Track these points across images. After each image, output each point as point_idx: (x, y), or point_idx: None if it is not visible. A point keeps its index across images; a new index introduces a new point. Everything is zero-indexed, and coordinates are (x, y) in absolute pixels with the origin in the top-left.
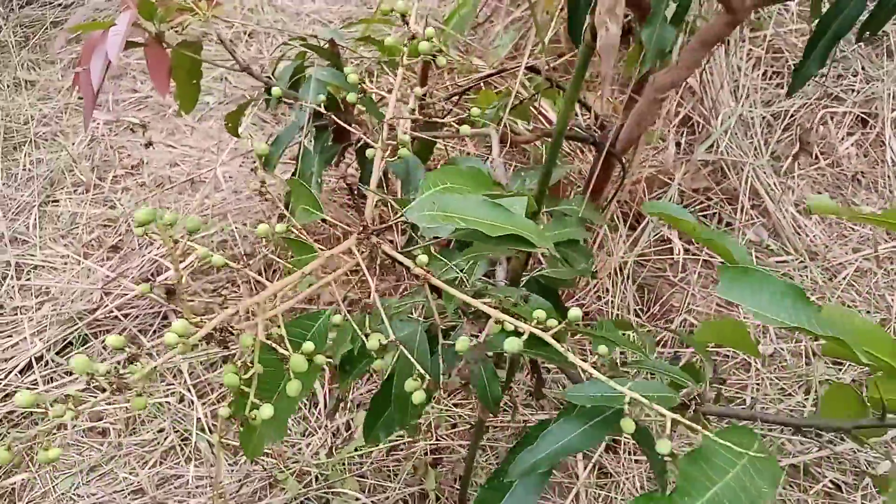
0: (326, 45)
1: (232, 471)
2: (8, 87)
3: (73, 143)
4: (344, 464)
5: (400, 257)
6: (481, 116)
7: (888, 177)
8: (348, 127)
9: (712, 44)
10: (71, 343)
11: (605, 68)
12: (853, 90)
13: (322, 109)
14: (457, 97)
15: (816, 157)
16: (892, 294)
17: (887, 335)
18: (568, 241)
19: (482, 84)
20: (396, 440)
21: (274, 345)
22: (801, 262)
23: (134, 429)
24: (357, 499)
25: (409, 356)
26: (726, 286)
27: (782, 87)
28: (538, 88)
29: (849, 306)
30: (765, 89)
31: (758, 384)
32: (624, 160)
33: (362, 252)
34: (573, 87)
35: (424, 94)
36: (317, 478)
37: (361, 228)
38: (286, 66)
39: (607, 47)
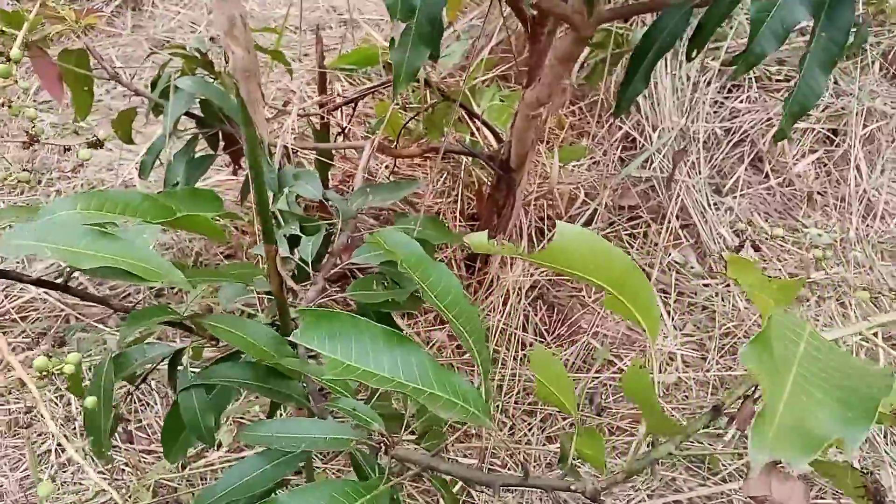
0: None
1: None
2: None
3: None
4: (198, 478)
5: None
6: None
7: (849, 197)
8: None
9: (569, 60)
10: None
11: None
12: (818, 105)
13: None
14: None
15: (767, 175)
16: (817, 326)
17: (570, 382)
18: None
19: (375, 94)
20: None
21: None
22: (726, 285)
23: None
24: None
25: None
26: (303, 330)
27: (742, 101)
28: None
29: None
30: (720, 103)
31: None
32: (515, 178)
33: None
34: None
35: (323, 104)
36: (170, 490)
37: None
38: (165, 75)
39: (240, 72)
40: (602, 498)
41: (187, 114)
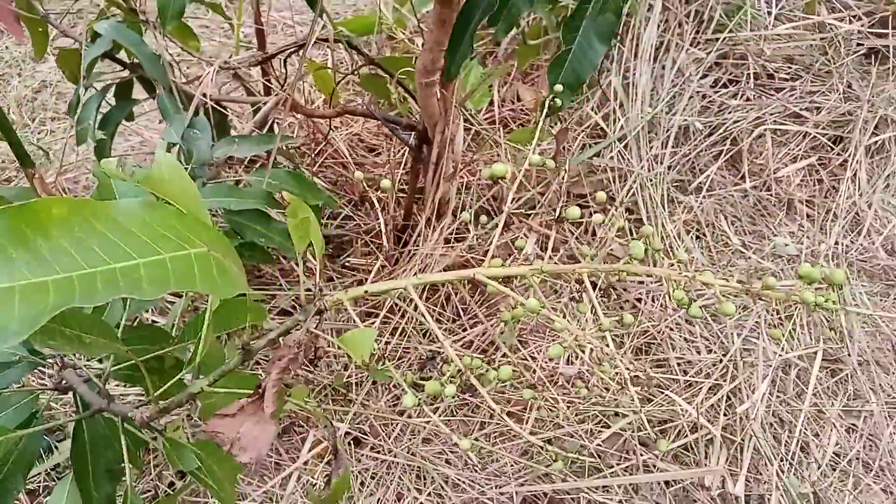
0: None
1: None
2: None
3: (17, 86)
4: None
5: None
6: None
7: (836, 208)
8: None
9: (446, 23)
10: None
11: None
12: (819, 108)
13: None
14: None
15: (744, 176)
16: (729, 341)
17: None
18: (250, 210)
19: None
20: None
21: None
22: (659, 283)
23: None
24: None
25: None
26: None
27: (735, 98)
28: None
29: (686, 340)
30: (709, 98)
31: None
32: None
33: None
34: None
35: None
36: None
37: None
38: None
39: None
40: None
41: (114, 59)
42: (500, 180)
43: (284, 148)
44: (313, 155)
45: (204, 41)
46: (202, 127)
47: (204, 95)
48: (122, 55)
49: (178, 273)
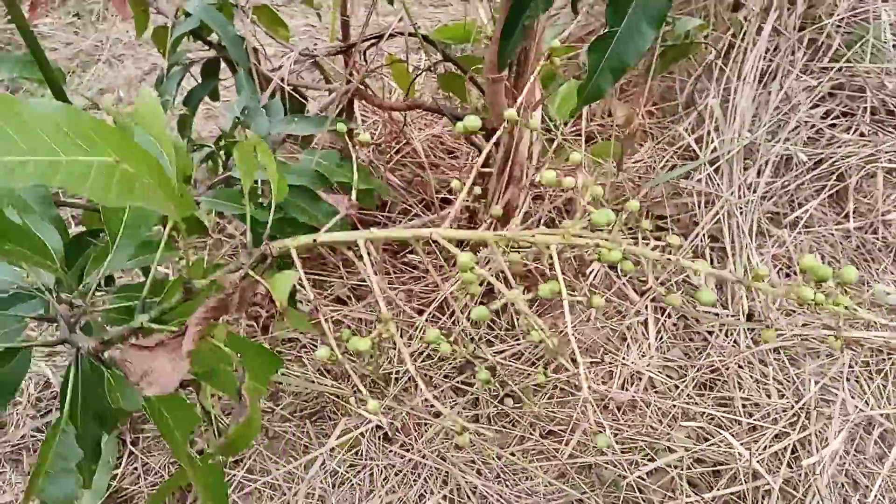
0: None
1: None
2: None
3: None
4: None
5: None
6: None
7: None
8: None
9: None
10: None
11: None
12: None
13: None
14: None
15: (847, 215)
16: (805, 388)
17: None
18: (296, 187)
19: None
20: None
21: None
22: (736, 317)
23: None
24: None
25: None
26: None
27: (849, 132)
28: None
29: (757, 381)
30: (819, 129)
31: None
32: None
33: None
34: None
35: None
36: None
37: None
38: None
39: None
40: None
41: (204, 40)
42: (572, 191)
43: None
44: (392, 153)
45: (307, 37)
46: (276, 109)
47: (282, 80)
48: (214, 37)
49: (70, 174)
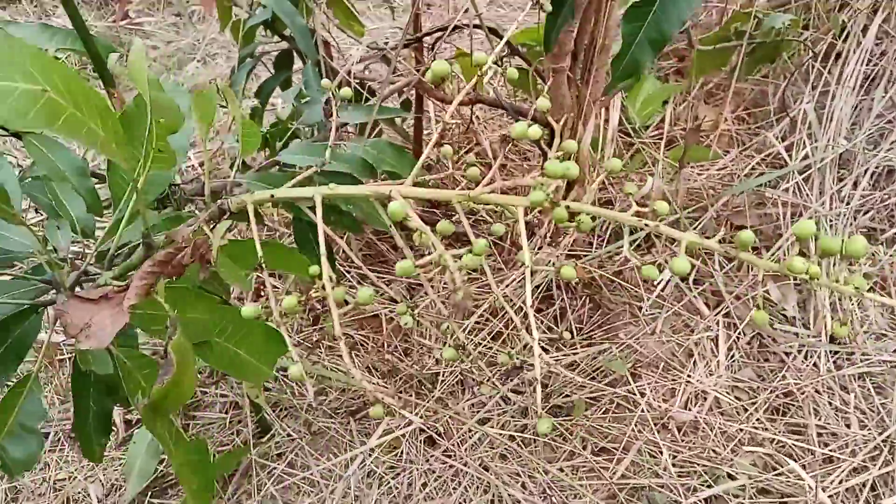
0: None
1: None
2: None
3: (221, 63)
4: None
5: None
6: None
7: None
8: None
9: None
10: None
11: None
12: None
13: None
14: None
15: None
16: (890, 419)
17: None
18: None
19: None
20: None
21: None
22: (818, 338)
23: None
24: None
25: None
26: None
27: None
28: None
29: (836, 408)
30: None
31: (672, 454)
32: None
33: None
34: None
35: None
36: None
37: None
38: None
39: None
40: None
41: (277, 33)
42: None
43: (399, 124)
44: (462, 152)
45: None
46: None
47: (349, 74)
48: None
49: None
